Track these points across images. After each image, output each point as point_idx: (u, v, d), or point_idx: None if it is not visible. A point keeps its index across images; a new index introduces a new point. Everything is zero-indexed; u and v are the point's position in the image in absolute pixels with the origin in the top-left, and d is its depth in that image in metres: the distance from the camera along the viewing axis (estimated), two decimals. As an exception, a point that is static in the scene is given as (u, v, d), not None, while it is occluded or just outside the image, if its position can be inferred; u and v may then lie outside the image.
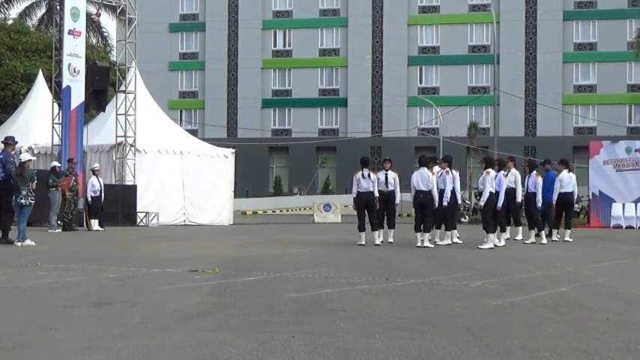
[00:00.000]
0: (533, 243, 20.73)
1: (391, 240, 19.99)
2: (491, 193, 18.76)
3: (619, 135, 59.36)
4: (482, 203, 18.92)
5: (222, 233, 26.14)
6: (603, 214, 33.71)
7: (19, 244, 18.17)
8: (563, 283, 11.47)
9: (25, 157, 18.97)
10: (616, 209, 33.33)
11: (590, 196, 34.67)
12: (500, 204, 19.19)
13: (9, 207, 18.75)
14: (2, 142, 20.07)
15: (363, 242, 19.26)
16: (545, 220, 22.19)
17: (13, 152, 19.62)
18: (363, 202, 19.52)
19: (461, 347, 6.69)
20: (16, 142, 20.32)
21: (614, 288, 11.18)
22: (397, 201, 20.16)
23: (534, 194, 21.34)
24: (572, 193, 22.08)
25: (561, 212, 22.25)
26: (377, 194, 19.49)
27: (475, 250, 18.15)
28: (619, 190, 33.50)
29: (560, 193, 21.88)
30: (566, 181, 21.98)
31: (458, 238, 20.44)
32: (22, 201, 18.40)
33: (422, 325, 7.77)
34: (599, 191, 33.86)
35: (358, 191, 19.51)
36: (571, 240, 21.84)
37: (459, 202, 22.29)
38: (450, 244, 19.72)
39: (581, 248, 19.83)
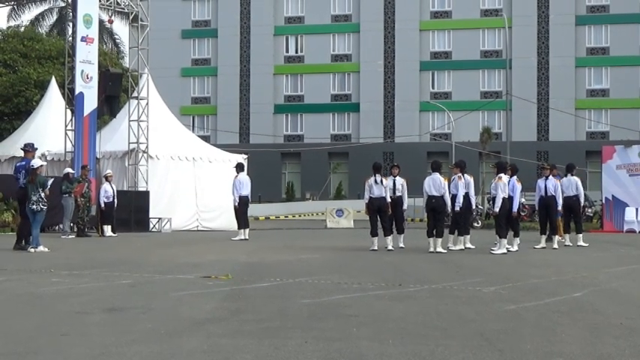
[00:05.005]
0: (544, 248, 20.67)
1: (402, 245, 19.98)
2: (504, 198, 18.71)
3: (632, 139, 59.05)
4: (496, 209, 18.81)
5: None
6: (616, 219, 33.60)
7: (32, 250, 18.22)
8: (576, 288, 11.44)
9: (37, 163, 19.01)
10: (629, 213, 33.22)
11: (604, 201, 34.58)
12: (515, 209, 19.18)
13: (28, 213, 18.85)
14: (22, 149, 20.20)
15: (376, 247, 19.24)
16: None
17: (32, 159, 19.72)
18: (375, 207, 19.52)
19: (474, 352, 6.68)
20: (36, 149, 20.41)
21: (628, 293, 11.14)
22: (405, 207, 20.21)
23: (554, 197, 21.23)
24: (574, 197, 21.98)
25: (568, 217, 22.21)
26: (389, 200, 19.50)
27: (488, 255, 18.10)
28: (632, 195, 33.38)
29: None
30: (566, 184, 21.96)
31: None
32: (34, 207, 18.44)
33: (435, 330, 7.76)
34: (612, 196, 33.76)
35: (370, 197, 19.51)
36: (584, 245, 21.79)
37: (473, 206, 22.20)
38: (462, 250, 19.68)
39: (594, 253, 19.77)
